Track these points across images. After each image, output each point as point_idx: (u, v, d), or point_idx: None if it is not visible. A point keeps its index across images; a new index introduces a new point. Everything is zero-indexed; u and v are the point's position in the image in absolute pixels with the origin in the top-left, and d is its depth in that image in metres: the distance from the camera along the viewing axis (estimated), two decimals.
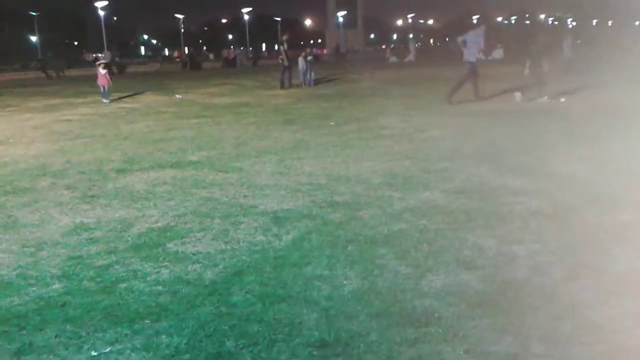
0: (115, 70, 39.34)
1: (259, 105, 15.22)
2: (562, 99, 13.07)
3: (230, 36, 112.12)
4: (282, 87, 20.14)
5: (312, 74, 21.27)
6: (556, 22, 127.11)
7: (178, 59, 64.55)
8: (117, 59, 41.20)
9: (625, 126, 9.21)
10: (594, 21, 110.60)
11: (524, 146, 7.95)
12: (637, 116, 10.20)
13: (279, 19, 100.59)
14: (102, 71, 17.19)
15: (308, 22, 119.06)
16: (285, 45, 20.56)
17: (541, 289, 3.50)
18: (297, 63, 21.03)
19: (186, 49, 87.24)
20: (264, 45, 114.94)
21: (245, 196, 5.89)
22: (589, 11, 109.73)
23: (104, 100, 17.11)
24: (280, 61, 20.69)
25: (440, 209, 5.19)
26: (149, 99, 18.44)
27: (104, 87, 17.19)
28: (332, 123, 11.07)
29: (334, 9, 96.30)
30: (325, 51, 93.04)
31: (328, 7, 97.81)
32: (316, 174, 6.76)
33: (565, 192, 5.57)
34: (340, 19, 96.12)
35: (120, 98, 18.55)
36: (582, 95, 13.77)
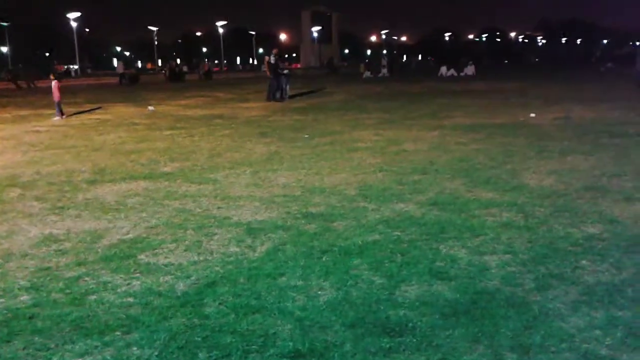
0: (126, 81, 38.71)
1: (233, 118, 15.18)
2: (531, 115, 13.34)
3: (204, 49, 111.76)
4: (269, 99, 20.07)
5: (288, 88, 21.30)
6: (526, 40, 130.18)
7: (152, 71, 63.81)
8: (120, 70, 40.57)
9: (592, 140, 9.45)
10: (563, 40, 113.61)
11: (495, 160, 8.08)
12: (604, 130, 10.47)
13: (253, 32, 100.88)
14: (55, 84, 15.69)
15: (283, 36, 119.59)
16: (272, 59, 20.52)
17: (512, 298, 3.55)
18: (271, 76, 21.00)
19: (159, 61, 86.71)
20: (238, 58, 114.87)
21: (218, 208, 5.85)
22: (557, 30, 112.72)
23: (55, 118, 15.38)
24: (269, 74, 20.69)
25: (414, 220, 5.24)
26: (121, 110, 18.24)
27: (58, 102, 15.68)
28: (306, 136, 11.09)
29: (309, 24, 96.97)
30: (299, 65, 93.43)
31: (303, 22, 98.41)
32: (291, 186, 6.76)
33: (534, 204, 5.67)
34: (315, 34, 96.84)
35: (91, 109, 18.32)
36: (550, 111, 14.08)
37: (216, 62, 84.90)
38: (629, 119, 12.25)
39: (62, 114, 15.78)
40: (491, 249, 4.43)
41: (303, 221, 5.29)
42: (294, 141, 10.49)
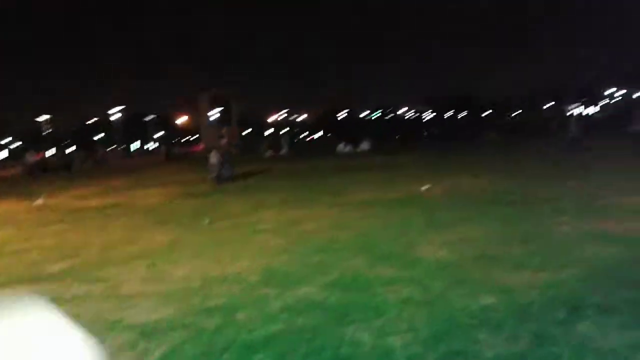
0: (39, 172, 35.67)
1: (130, 206, 14.63)
2: (423, 188, 13.96)
3: (100, 135, 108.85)
4: (219, 182, 19.34)
5: (231, 169, 20.18)
6: (417, 114, 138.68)
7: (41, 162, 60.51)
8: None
9: (480, 210, 9.99)
10: (451, 112, 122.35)
11: (393, 234, 8.28)
12: (490, 199, 11.14)
13: (150, 116, 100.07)
14: None
15: (182, 119, 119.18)
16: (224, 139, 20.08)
17: None
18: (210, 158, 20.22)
19: (54, 149, 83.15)
20: (135, 143, 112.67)
21: (110, 309, 5.47)
22: (445, 105, 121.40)
23: None
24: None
25: (317, 304, 5.16)
26: (5, 207, 17.06)
27: None
28: (207, 221, 10.86)
29: (207, 108, 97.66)
30: (201, 147, 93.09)
31: (200, 105, 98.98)
32: (190, 277, 6.50)
33: (432, 277, 5.80)
34: (215, 116, 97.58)
35: None
36: (440, 183, 14.84)
37: (114, 146, 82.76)
38: (513, 187, 13.12)
39: None
40: (394, 329, 4.43)
41: (203, 316, 5.05)
42: (194, 227, 10.23)
